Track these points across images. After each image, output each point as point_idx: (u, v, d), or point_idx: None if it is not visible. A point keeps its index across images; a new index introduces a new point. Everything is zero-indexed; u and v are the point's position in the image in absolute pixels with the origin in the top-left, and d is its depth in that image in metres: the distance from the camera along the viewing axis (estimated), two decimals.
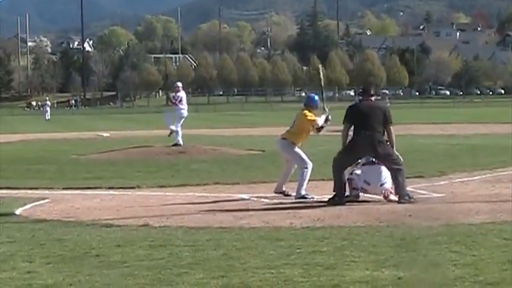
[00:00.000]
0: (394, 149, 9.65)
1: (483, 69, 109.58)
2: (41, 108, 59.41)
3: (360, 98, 10.14)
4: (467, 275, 5.40)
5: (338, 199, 9.43)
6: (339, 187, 9.51)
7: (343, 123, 9.77)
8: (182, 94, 19.28)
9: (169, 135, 19.25)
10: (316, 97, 10.74)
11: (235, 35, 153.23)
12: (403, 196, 9.41)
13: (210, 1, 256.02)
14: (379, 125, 9.53)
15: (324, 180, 11.34)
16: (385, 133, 9.65)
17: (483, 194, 10.31)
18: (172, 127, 18.96)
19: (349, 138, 9.71)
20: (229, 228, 7.83)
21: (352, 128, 9.67)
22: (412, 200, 9.43)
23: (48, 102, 57.70)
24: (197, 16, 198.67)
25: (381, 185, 9.53)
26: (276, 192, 10.21)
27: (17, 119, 57.62)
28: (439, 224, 7.79)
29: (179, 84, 19.91)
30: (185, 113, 19.16)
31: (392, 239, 6.95)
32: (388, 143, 9.60)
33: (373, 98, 9.96)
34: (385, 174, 9.55)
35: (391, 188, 9.53)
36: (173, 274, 5.63)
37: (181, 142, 18.63)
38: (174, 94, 19.87)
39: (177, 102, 19.16)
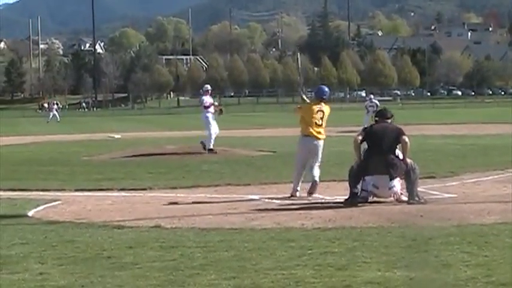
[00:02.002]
0: (405, 157, 9.66)
1: (495, 69, 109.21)
2: (48, 112, 59.11)
3: (376, 119, 10.19)
4: (479, 276, 5.38)
5: (352, 200, 9.46)
6: (353, 188, 9.58)
7: (357, 135, 9.86)
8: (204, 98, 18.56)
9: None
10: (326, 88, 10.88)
11: (246, 36, 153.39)
12: (413, 196, 9.44)
13: (221, 2, 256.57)
14: (391, 148, 9.65)
15: (335, 181, 11.34)
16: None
17: (495, 194, 10.29)
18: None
19: (362, 154, 9.78)
20: (241, 229, 7.84)
21: (366, 145, 9.79)
22: (422, 201, 9.44)
23: (55, 106, 57.60)
24: (208, 17, 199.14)
25: (390, 188, 9.54)
26: (293, 196, 10.23)
27: (29, 120, 57.92)
28: (451, 224, 7.78)
29: (206, 87, 19.00)
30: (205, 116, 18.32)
31: (404, 240, 6.94)
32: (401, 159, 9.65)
33: (389, 121, 10.01)
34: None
35: (402, 189, 9.54)
36: (185, 275, 5.64)
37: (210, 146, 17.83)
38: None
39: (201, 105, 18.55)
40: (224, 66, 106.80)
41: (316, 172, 10.29)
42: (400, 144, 9.72)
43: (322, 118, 10.46)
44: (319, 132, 10.43)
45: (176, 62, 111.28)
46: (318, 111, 10.48)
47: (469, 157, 16.18)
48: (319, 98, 10.67)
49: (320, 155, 10.45)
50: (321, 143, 10.45)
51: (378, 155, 9.61)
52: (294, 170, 10.53)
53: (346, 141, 19.29)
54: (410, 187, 9.57)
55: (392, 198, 9.58)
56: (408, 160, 9.71)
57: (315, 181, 10.21)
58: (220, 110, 18.71)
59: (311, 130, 10.39)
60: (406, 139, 9.71)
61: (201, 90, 19.24)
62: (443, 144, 20.26)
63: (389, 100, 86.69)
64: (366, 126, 14.04)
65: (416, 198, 9.46)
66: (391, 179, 9.50)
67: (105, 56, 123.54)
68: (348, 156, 14.71)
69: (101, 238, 7.40)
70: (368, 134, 9.96)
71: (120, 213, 9.24)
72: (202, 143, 17.90)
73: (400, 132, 9.78)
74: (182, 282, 5.44)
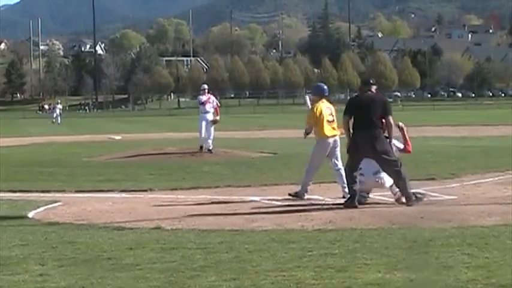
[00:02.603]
0: (392, 142, 9.59)
1: (495, 71, 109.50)
2: (51, 111, 59.22)
3: (361, 88, 10.02)
4: (479, 277, 5.38)
5: (351, 201, 9.41)
6: (351, 190, 9.50)
7: (344, 115, 9.68)
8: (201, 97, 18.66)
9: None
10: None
11: (246, 37, 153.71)
12: (410, 199, 9.39)
13: (222, 4, 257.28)
14: (378, 120, 9.47)
15: (336, 182, 11.33)
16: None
17: (495, 196, 10.31)
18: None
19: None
20: (241, 230, 7.86)
21: (352, 123, 9.60)
22: (420, 199, 9.41)
23: (59, 106, 57.56)
24: (209, 19, 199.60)
25: (374, 173, 9.50)
26: (300, 197, 10.15)
27: (30, 122, 58.03)
28: (451, 226, 7.79)
29: (203, 86, 19.13)
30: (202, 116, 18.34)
31: (405, 241, 6.96)
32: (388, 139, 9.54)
33: (373, 88, 9.77)
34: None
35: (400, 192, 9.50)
36: (185, 277, 5.64)
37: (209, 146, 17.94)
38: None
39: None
40: (225, 68, 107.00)
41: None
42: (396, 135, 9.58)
43: (331, 114, 10.23)
44: (333, 129, 10.22)
45: (177, 63, 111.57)
46: (326, 107, 10.26)
47: (469, 159, 16.20)
48: (321, 96, 10.45)
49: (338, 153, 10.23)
50: (337, 138, 10.26)
51: (364, 131, 9.42)
52: (307, 173, 10.30)
53: (346, 143, 19.24)
54: (402, 184, 9.37)
55: (392, 200, 9.58)
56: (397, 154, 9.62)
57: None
58: (214, 121, 18.22)
59: (325, 131, 10.16)
60: (391, 121, 9.53)
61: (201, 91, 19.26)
62: (444, 146, 20.29)
63: (390, 102, 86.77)
64: None
65: (414, 199, 9.38)
66: (376, 156, 9.29)
67: (106, 57, 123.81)
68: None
69: (101, 239, 7.42)
70: (354, 104, 9.74)
71: (121, 215, 9.26)
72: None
73: (388, 108, 9.56)
74: (182, 283, 5.44)
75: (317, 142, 10.34)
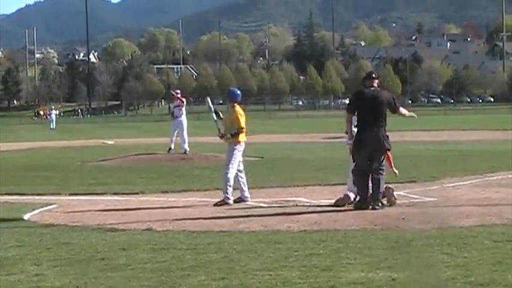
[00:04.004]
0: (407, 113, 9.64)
1: (473, 78, 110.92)
2: (48, 117, 59.32)
3: (364, 82, 9.74)
4: (458, 276, 5.49)
5: (362, 203, 9.36)
6: (362, 191, 9.39)
7: (347, 110, 9.65)
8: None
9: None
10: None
11: (234, 46, 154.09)
12: (378, 202, 9.31)
13: (210, 14, 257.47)
14: (382, 118, 9.42)
15: (320, 185, 11.46)
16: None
17: (473, 198, 10.42)
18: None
19: (354, 133, 9.51)
20: (230, 232, 7.94)
21: (356, 120, 9.49)
22: (384, 206, 9.32)
23: (54, 111, 57.51)
24: (198, 28, 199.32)
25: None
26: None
27: (25, 127, 57.69)
28: (432, 227, 7.88)
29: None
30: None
31: (387, 242, 7.04)
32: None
33: (376, 82, 9.67)
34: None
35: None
36: (176, 276, 5.72)
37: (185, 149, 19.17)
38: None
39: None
40: (213, 75, 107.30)
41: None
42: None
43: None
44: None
45: (167, 70, 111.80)
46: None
47: (448, 162, 16.33)
48: (235, 101, 10.50)
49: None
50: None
51: (370, 129, 9.31)
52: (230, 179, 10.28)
53: (331, 147, 19.50)
54: (377, 188, 9.29)
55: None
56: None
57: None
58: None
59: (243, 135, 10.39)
60: (403, 111, 9.54)
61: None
62: (424, 150, 20.43)
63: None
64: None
65: (380, 204, 9.31)
66: (378, 151, 9.23)
67: (99, 65, 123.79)
68: (333, 161, 14.93)
69: (95, 240, 7.48)
70: (359, 99, 9.55)
71: (113, 217, 9.33)
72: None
73: (393, 103, 9.48)
74: (173, 283, 5.52)
75: (236, 145, 10.35)
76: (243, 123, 10.38)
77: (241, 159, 10.50)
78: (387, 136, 9.52)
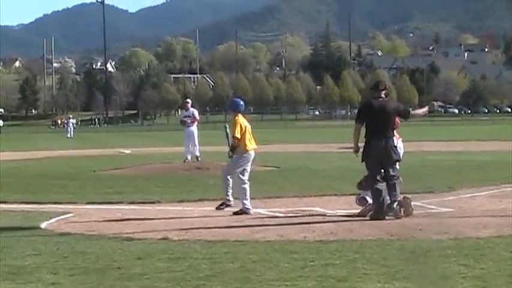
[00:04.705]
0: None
1: (490, 88, 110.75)
2: (64, 126, 59.93)
3: (372, 92, 9.83)
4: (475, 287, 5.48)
5: (378, 213, 9.35)
6: (377, 201, 9.39)
7: (356, 121, 9.69)
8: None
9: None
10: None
11: (251, 55, 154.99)
12: (394, 203, 9.34)
13: (227, 23, 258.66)
14: (390, 129, 9.50)
15: (336, 195, 11.43)
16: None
17: (490, 208, 10.39)
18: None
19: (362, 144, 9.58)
20: (246, 241, 7.94)
21: (364, 130, 9.55)
22: (401, 210, 9.34)
23: (72, 120, 57.95)
24: (215, 38, 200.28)
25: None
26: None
27: (43, 136, 58.06)
28: (448, 237, 7.87)
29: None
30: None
31: (403, 252, 7.03)
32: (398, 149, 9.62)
33: (383, 93, 9.71)
34: None
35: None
36: (192, 286, 5.73)
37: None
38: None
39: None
40: (230, 85, 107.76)
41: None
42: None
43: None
44: (251, 142, 10.54)
45: (184, 80, 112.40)
46: (245, 121, 10.37)
47: (465, 173, 16.28)
48: (238, 111, 10.45)
49: None
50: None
51: (377, 141, 9.37)
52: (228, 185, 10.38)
53: (347, 157, 19.43)
54: (394, 189, 9.35)
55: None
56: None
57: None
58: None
59: (247, 144, 10.42)
60: (417, 111, 9.74)
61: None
62: (441, 160, 20.37)
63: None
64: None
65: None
66: (388, 162, 9.26)
67: (116, 74, 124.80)
68: (349, 171, 14.91)
69: (111, 249, 7.50)
70: (367, 109, 9.58)
71: (129, 226, 9.36)
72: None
73: (402, 110, 9.58)
74: None
75: (244, 154, 10.36)
76: (237, 133, 10.34)
77: (248, 169, 10.49)
78: (395, 146, 9.56)
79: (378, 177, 9.44)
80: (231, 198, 10.38)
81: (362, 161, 9.65)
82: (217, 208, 10.37)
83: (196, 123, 20.31)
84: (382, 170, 9.46)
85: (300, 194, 12.57)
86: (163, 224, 9.51)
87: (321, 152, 26.61)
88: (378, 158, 9.42)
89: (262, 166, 18.76)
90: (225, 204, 10.37)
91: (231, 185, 10.37)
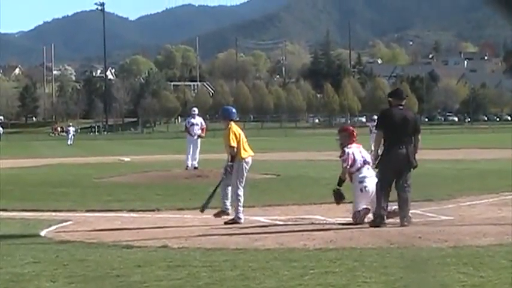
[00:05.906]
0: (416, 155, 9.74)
1: (490, 96, 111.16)
2: (64, 133, 60.04)
3: (390, 100, 9.79)
4: None
5: (379, 221, 9.39)
6: (379, 207, 9.43)
7: (377, 129, 9.75)
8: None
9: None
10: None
11: (251, 63, 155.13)
12: (406, 218, 9.40)
13: (227, 31, 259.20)
14: (410, 138, 9.58)
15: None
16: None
17: (490, 217, 10.40)
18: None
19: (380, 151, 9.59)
20: (245, 249, 7.94)
21: (383, 138, 9.56)
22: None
23: (72, 128, 57.99)
24: (215, 45, 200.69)
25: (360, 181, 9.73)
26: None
27: (42, 144, 58.11)
28: (448, 245, 7.86)
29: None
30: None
31: (403, 260, 7.04)
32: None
33: (403, 102, 9.82)
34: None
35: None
36: None
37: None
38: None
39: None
40: (230, 93, 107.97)
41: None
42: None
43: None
44: (246, 150, 10.56)
45: (184, 88, 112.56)
46: (238, 129, 10.50)
47: (465, 181, 16.30)
48: (230, 119, 10.47)
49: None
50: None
51: (399, 148, 9.39)
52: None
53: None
54: (406, 203, 9.42)
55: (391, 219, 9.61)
56: None
57: None
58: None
59: (242, 152, 10.42)
60: (420, 138, 9.71)
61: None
62: (441, 169, 20.36)
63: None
64: (372, 144, 14.14)
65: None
66: (407, 169, 9.32)
67: (116, 82, 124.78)
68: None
69: (111, 257, 7.51)
70: (388, 120, 9.55)
71: (129, 234, 9.36)
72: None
73: (418, 126, 9.66)
74: None
75: (241, 162, 10.35)
76: (233, 142, 10.30)
77: (243, 177, 10.46)
78: (415, 153, 9.66)
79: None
80: (229, 207, 10.36)
81: (376, 167, 9.68)
82: (215, 216, 10.35)
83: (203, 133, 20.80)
84: (395, 180, 9.51)
85: (300, 202, 12.58)
86: (163, 231, 9.52)
87: (321, 160, 26.61)
88: (398, 167, 9.48)
89: (262, 174, 18.78)
90: (224, 212, 10.35)
91: (241, 201, 10.26)
